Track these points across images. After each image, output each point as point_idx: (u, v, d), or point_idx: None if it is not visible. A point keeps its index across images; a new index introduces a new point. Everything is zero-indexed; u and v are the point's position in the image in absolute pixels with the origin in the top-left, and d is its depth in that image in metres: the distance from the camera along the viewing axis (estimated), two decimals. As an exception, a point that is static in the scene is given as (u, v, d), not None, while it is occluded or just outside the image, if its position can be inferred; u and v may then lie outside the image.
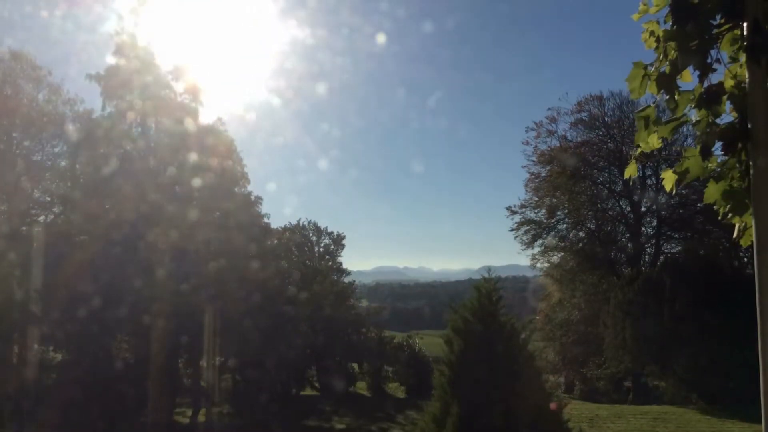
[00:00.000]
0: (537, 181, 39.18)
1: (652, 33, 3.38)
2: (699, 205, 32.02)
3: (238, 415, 27.62)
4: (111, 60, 27.11)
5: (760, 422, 3.06)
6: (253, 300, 26.13)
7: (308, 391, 35.76)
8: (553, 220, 39.60)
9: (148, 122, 27.69)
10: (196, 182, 26.22)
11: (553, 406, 8.83)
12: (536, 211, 39.83)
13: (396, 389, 36.83)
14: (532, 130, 38.88)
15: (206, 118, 28.26)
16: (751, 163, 3.07)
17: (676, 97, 3.34)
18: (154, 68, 27.63)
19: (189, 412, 27.25)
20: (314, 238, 44.32)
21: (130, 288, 22.91)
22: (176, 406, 28.10)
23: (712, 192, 3.43)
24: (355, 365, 38.57)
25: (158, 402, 24.64)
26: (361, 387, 36.85)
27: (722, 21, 3.21)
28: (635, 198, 37.42)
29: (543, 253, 40.51)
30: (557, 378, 35.93)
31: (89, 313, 22.08)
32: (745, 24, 3.06)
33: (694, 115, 3.38)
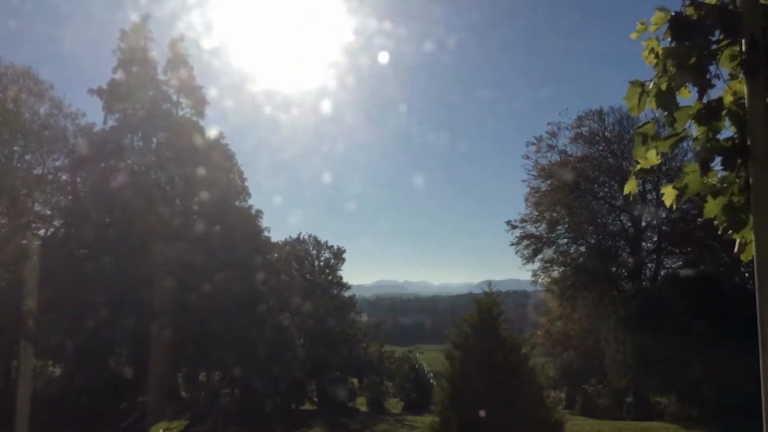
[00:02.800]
0: (537, 195, 39.18)
1: (652, 50, 3.39)
2: (699, 220, 31.97)
3: (226, 428, 27.43)
4: (113, 74, 27.38)
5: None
6: (253, 313, 26.05)
7: (308, 406, 35.55)
8: (553, 235, 39.49)
9: (149, 136, 27.84)
10: (198, 196, 26.29)
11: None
12: (536, 225, 39.77)
13: (395, 404, 36.63)
14: (533, 144, 39.02)
15: (208, 132, 28.44)
16: (750, 178, 3.09)
17: (674, 114, 3.35)
18: (157, 83, 27.86)
19: (184, 423, 27.06)
20: (314, 252, 44.21)
21: (129, 300, 22.87)
22: (171, 418, 27.93)
23: (712, 207, 3.42)
24: (355, 380, 38.38)
25: (152, 414, 24.54)
26: (361, 402, 36.63)
27: (721, 37, 3.23)
28: (636, 213, 37.34)
29: (544, 269, 40.43)
30: (558, 393, 35.70)
31: (89, 326, 22.03)
32: (743, 40, 3.08)
33: (694, 130, 3.39)
